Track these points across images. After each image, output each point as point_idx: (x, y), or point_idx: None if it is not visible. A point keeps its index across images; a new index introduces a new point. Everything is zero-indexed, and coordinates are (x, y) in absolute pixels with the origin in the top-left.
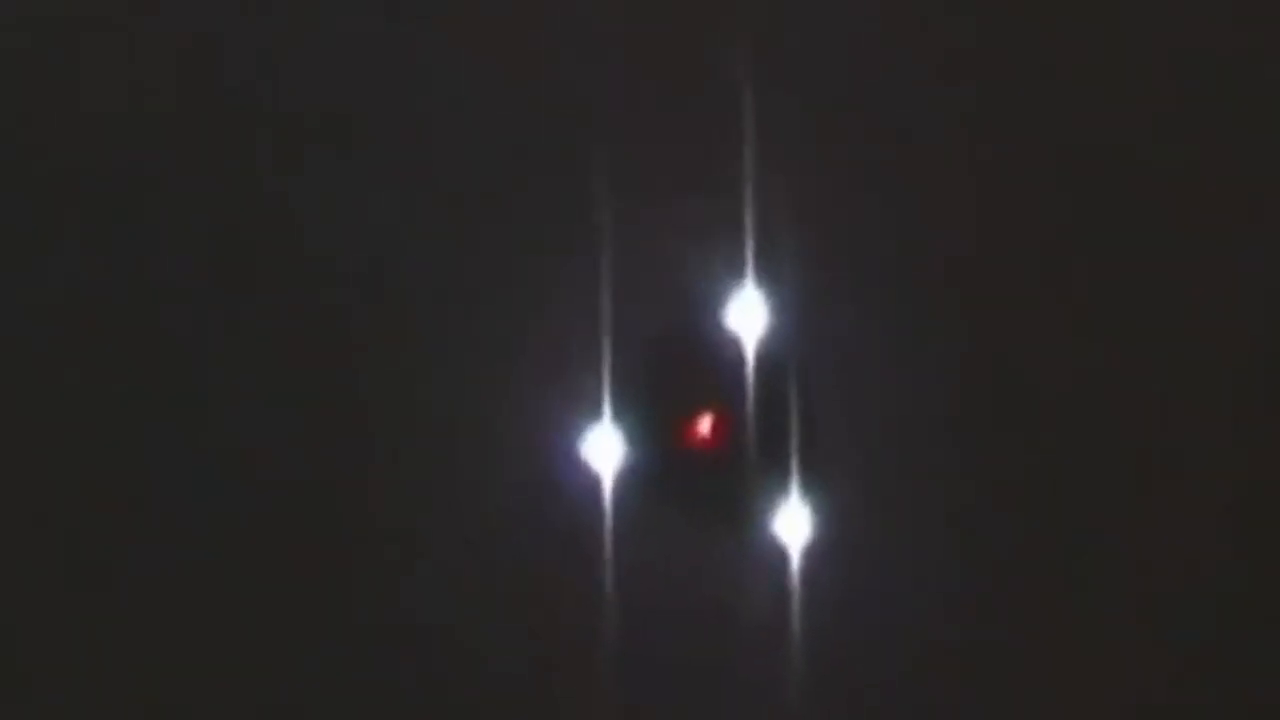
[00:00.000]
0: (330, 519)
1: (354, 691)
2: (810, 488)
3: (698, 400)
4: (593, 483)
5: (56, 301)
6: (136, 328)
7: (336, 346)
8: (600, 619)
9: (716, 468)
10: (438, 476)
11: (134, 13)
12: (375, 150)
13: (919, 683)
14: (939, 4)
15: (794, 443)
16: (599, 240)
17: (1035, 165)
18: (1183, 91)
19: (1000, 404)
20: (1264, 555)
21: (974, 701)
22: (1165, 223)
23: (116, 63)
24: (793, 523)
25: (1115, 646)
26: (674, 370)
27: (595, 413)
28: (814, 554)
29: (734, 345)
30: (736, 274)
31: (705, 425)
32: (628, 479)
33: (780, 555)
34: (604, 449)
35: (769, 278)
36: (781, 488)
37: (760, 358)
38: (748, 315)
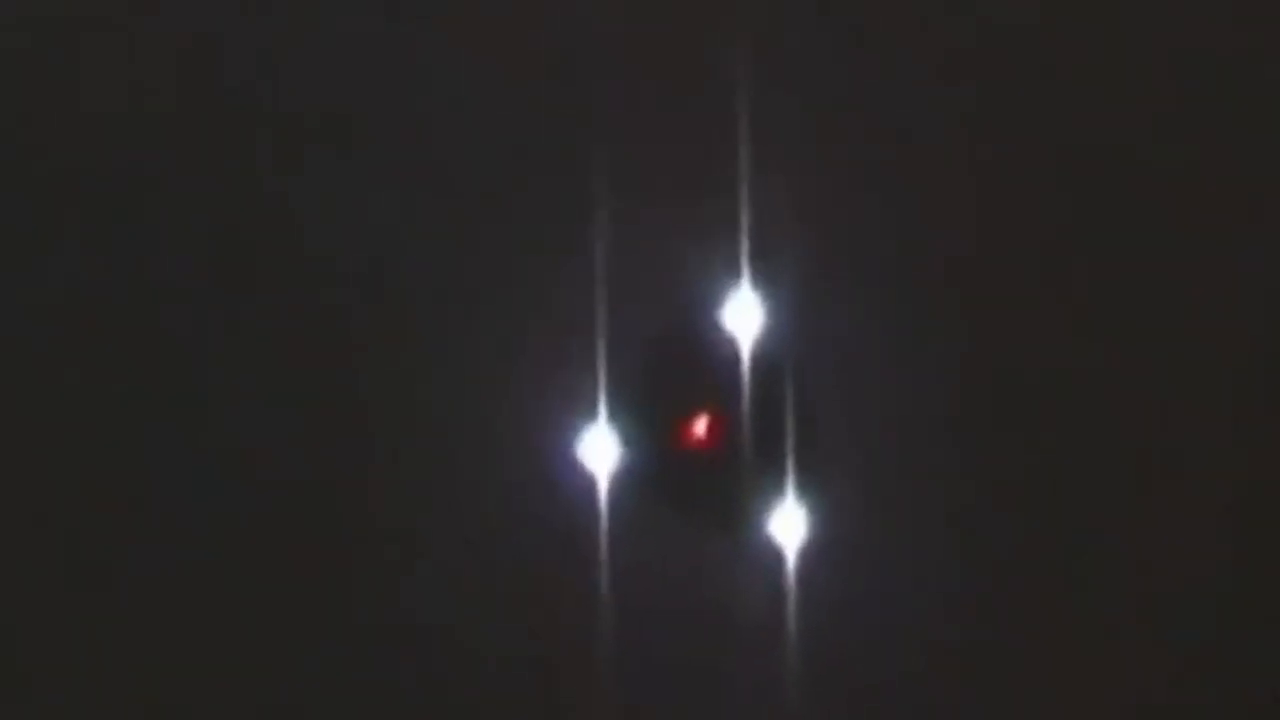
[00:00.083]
0: (329, 519)
1: (353, 691)
2: (806, 488)
3: (693, 401)
4: (588, 483)
5: (56, 301)
6: (136, 328)
7: (336, 346)
8: (596, 619)
9: (712, 468)
10: (435, 477)
11: (134, 13)
12: (375, 150)
13: (917, 684)
14: (939, 4)
15: (790, 443)
16: (595, 241)
17: (1035, 165)
18: (1183, 91)
19: (999, 404)
20: (1264, 555)
21: (973, 702)
22: (1165, 223)
23: (116, 63)
24: (789, 523)
25: (1115, 646)
26: (670, 371)
27: (591, 413)
28: (810, 555)
29: (730, 346)
30: (732, 274)
31: (701, 426)
32: (623, 479)
33: (776, 556)
34: (600, 449)
35: (765, 278)
36: (777, 488)
37: (756, 358)
38: (744, 316)
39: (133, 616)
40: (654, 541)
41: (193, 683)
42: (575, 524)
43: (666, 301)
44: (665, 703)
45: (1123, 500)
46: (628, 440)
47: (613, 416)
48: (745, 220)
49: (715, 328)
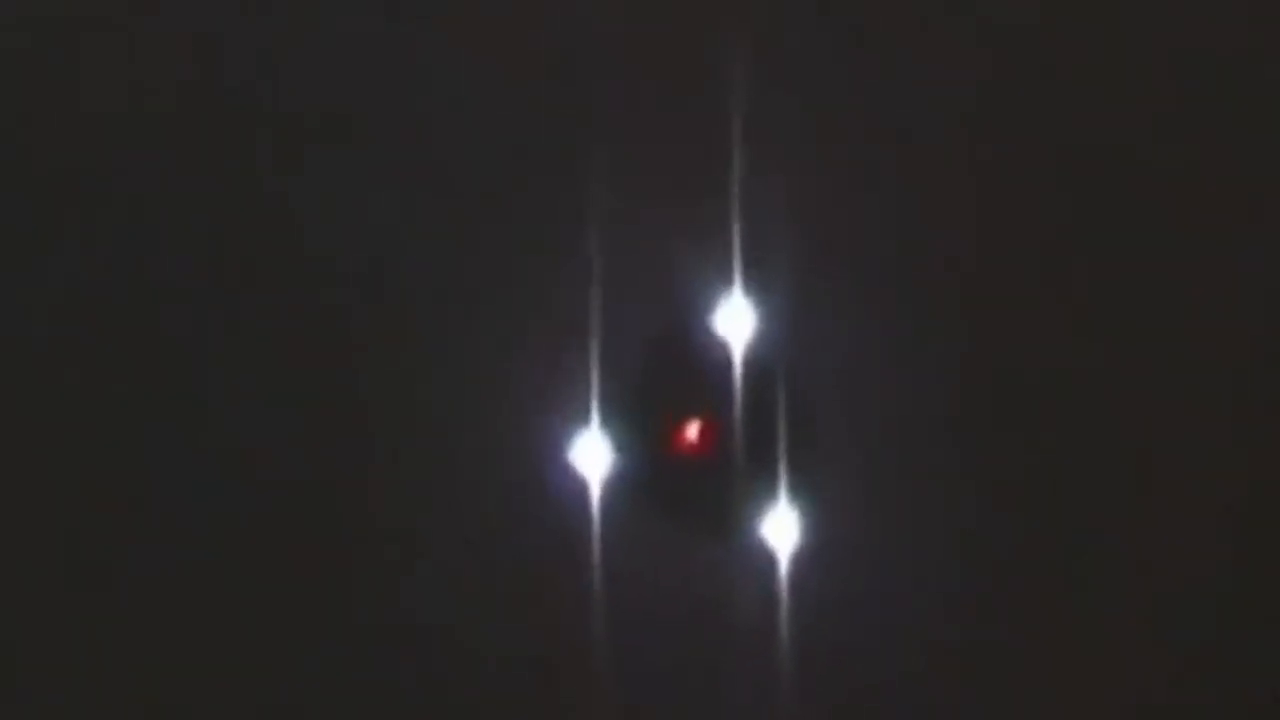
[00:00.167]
0: (327, 519)
1: (351, 691)
2: (799, 492)
3: (686, 406)
4: (581, 488)
5: (56, 301)
6: (136, 328)
7: (336, 346)
8: (591, 623)
9: (705, 473)
10: (431, 479)
11: (134, 13)
12: (375, 150)
13: (913, 687)
14: (939, 4)
15: (783, 448)
16: (590, 245)
17: (1035, 165)
18: (1183, 91)
19: (996, 405)
20: (1264, 555)
21: (970, 704)
22: (1165, 223)
23: (116, 63)
24: (781, 527)
25: (1115, 646)
26: (662, 376)
27: (584, 418)
28: (803, 559)
29: (722, 350)
30: (725, 279)
31: (694, 430)
32: (616, 484)
33: (769, 559)
34: (592, 454)
35: (757, 283)
36: (770, 493)
37: (749, 363)
38: (736, 320)
39: (133, 616)
40: (647, 546)
41: (193, 683)
42: (569, 528)
43: (659, 307)
44: (660, 705)
45: (1122, 500)
46: (621, 445)
47: (606, 421)
48: (738, 225)
49: (707, 333)
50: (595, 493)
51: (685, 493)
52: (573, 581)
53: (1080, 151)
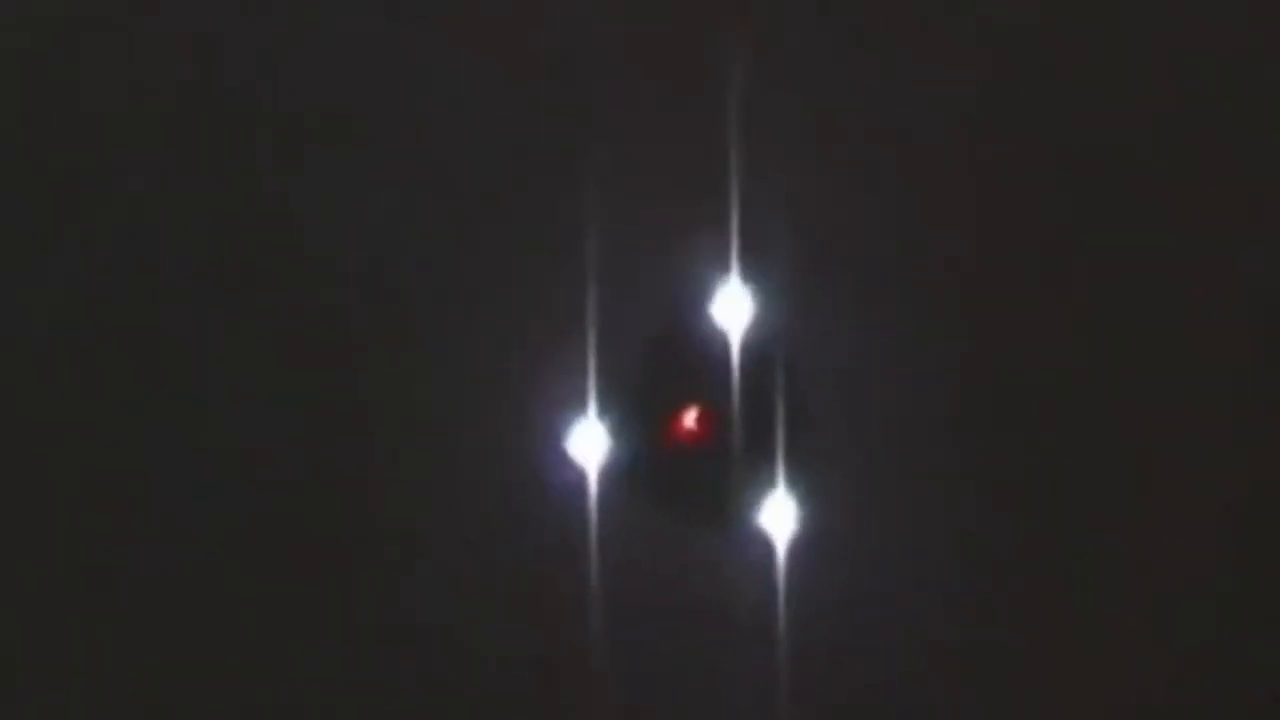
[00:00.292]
0: (327, 518)
1: (350, 689)
2: (796, 481)
3: (683, 395)
4: (578, 477)
5: (56, 301)
6: (136, 328)
7: (336, 346)
8: (586, 613)
9: (703, 461)
10: (430, 473)
11: (134, 13)
12: (375, 150)
13: (909, 676)
14: (939, 4)
15: (780, 436)
16: (586, 236)
17: (1035, 165)
18: (1183, 91)
19: (993, 399)
20: (1264, 555)
21: (966, 695)
22: (1165, 223)
23: (116, 63)
24: (778, 516)
25: (1115, 645)
26: (660, 365)
27: (581, 407)
28: (800, 547)
29: (720, 340)
30: (722, 268)
31: (691, 419)
32: (613, 473)
33: (766, 548)
34: (589, 444)
35: (754, 272)
36: (767, 481)
37: (746, 352)
38: (733, 310)
39: (133, 616)
40: (644, 534)
41: (193, 683)
42: (565, 517)
43: (656, 296)
44: (657, 694)
45: (1122, 500)
46: (618, 434)
47: (603, 411)
48: (735, 214)
49: (704, 322)
50: (593, 481)
51: (683, 481)
52: (570, 570)
53: (1080, 151)
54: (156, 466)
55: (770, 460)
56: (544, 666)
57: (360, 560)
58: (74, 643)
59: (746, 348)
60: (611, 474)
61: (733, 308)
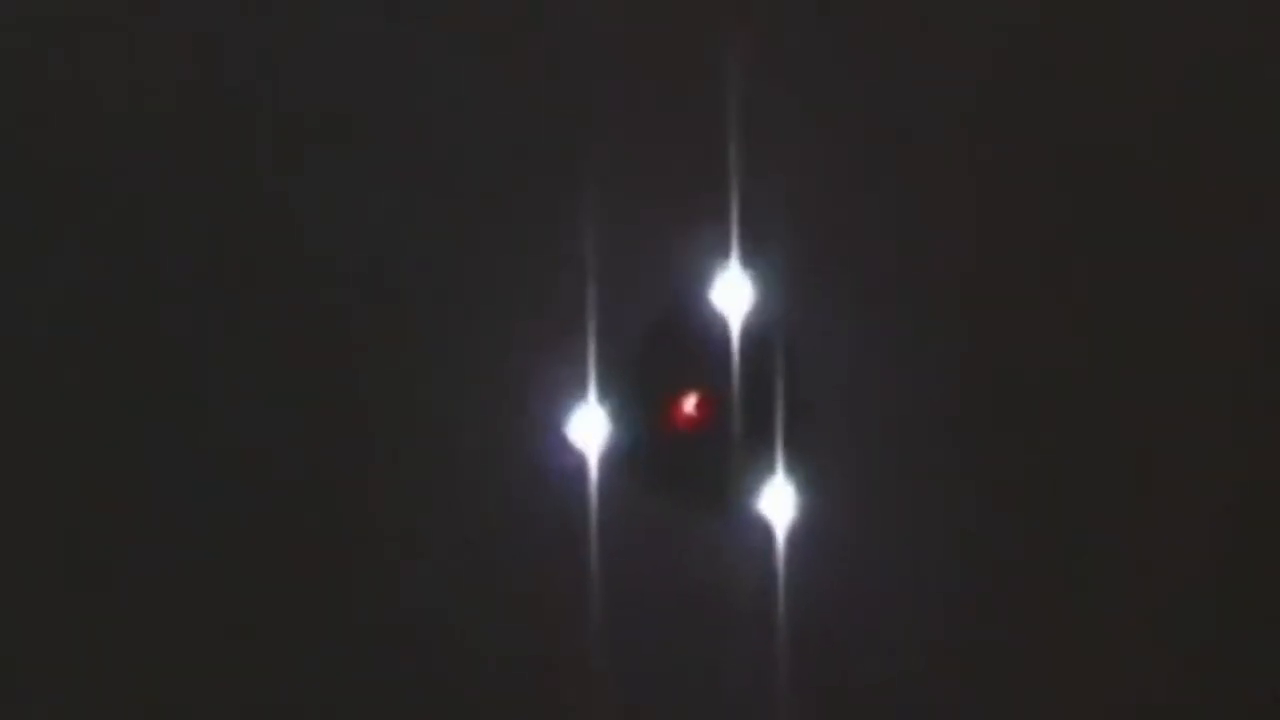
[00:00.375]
0: (328, 513)
1: (350, 686)
2: (796, 467)
3: (683, 380)
4: (578, 462)
5: (56, 301)
6: (136, 328)
7: (336, 346)
8: (586, 599)
9: (702, 447)
10: (432, 461)
11: (134, 13)
12: (375, 150)
13: (906, 663)
14: (939, 4)
15: (780, 422)
16: (586, 220)
17: (1035, 165)
18: (1183, 91)
19: (991, 392)
20: (1264, 555)
21: (961, 684)
22: (1165, 223)
23: (116, 63)
24: (778, 502)
25: (1114, 642)
26: (660, 350)
27: (581, 392)
28: (799, 533)
29: (720, 325)
30: (722, 253)
31: (691, 404)
32: (613, 459)
33: (765, 534)
34: (590, 429)
35: (755, 257)
36: (767, 467)
37: (746, 337)
38: (734, 295)
39: (133, 616)
40: (644, 520)
41: (193, 683)
42: (565, 503)
43: (657, 282)
44: (655, 679)
45: (1122, 499)
46: (618, 419)
47: (603, 396)
48: (734, 199)
49: (705, 307)
50: (593, 467)
51: (682, 467)
52: (569, 554)
53: (1080, 151)
54: (156, 466)
55: (770, 446)
56: (543, 651)
57: (361, 547)
58: (74, 643)
59: (746, 334)
60: (612, 459)
61: (733, 294)
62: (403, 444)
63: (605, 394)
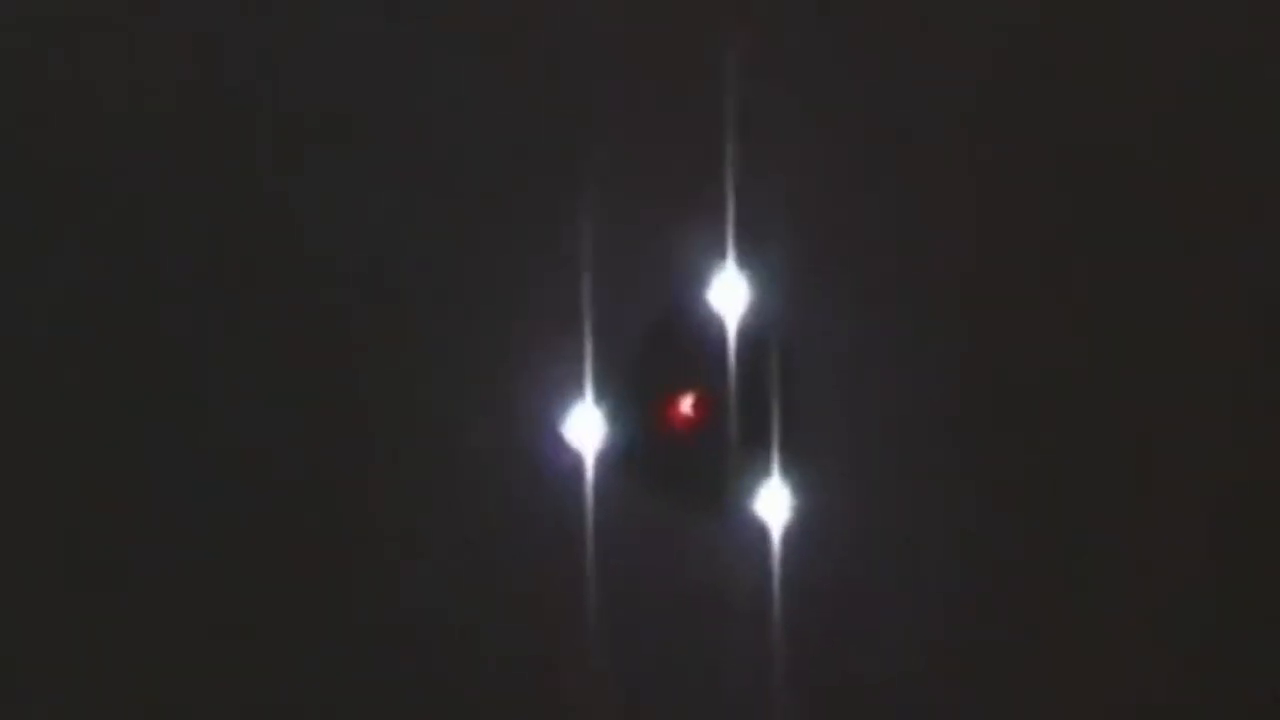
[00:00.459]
0: (328, 515)
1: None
2: (791, 467)
3: (680, 380)
4: (574, 462)
5: (56, 301)
6: (136, 328)
7: (336, 346)
8: (582, 598)
9: (698, 447)
10: (429, 464)
11: (134, 13)
12: (375, 150)
13: (902, 663)
14: (939, 4)
15: (776, 422)
16: (583, 220)
17: (1035, 165)
18: (1183, 91)
19: (988, 391)
20: (1264, 555)
21: (958, 684)
22: (1165, 223)
23: (116, 63)
24: (774, 502)
25: (1114, 644)
26: (656, 350)
27: (578, 392)
28: (795, 533)
29: (716, 326)
30: (719, 253)
31: (687, 405)
32: (609, 458)
33: (761, 534)
34: (586, 429)
35: (751, 257)
36: (763, 467)
37: (742, 338)
38: (730, 295)
39: (133, 616)
40: (640, 520)
41: (193, 683)
42: (562, 502)
43: (654, 282)
44: (651, 679)
45: (1122, 499)
46: (614, 419)
47: (599, 395)
48: (731, 203)
49: (701, 307)
50: (589, 466)
51: (679, 466)
52: (565, 554)
53: (1080, 151)
54: (156, 466)
55: (766, 446)
56: (538, 650)
57: (357, 546)
58: (74, 643)
59: (743, 334)
60: (608, 459)
61: (729, 294)
62: (400, 443)
63: (602, 394)
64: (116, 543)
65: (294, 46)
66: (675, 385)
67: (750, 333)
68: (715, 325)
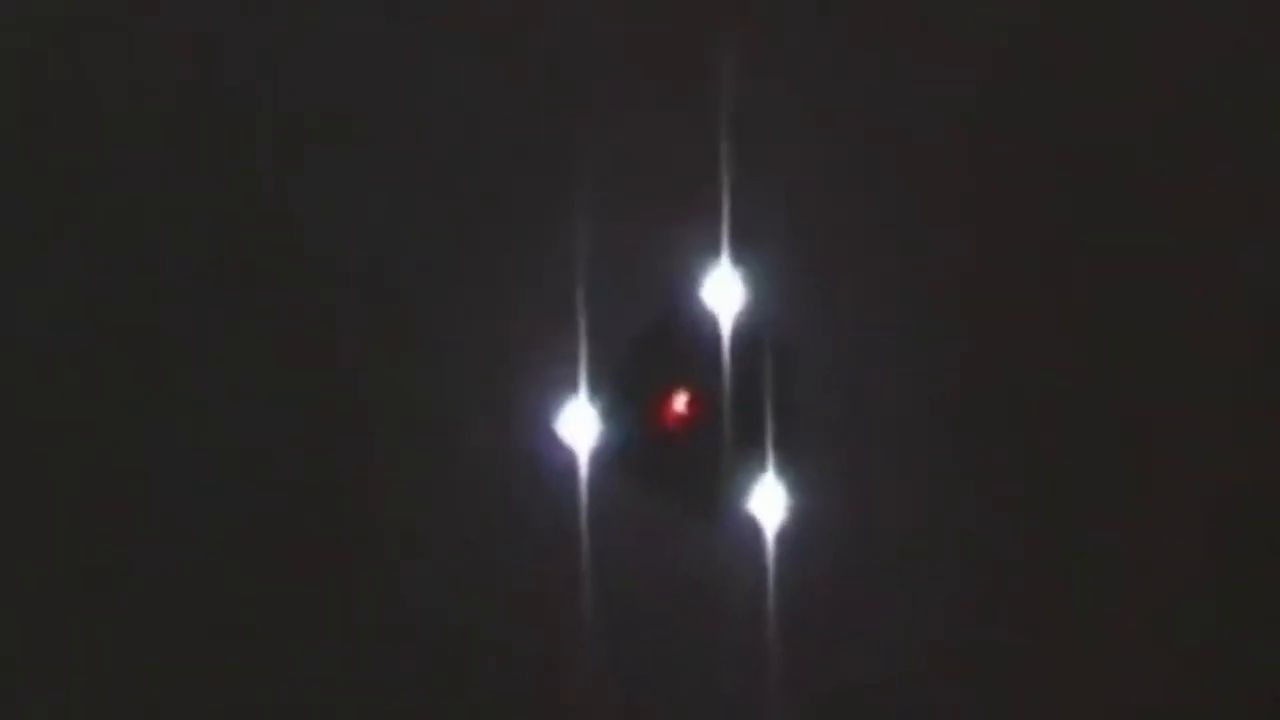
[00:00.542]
0: (328, 516)
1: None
2: (786, 466)
3: (674, 378)
4: (568, 460)
5: (56, 301)
6: (136, 328)
7: (336, 346)
8: (575, 596)
9: (692, 446)
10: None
11: (134, 13)
12: (375, 150)
13: (898, 663)
14: (939, 4)
15: (770, 421)
16: (578, 219)
17: (1035, 165)
18: (1183, 91)
19: (984, 388)
20: (1264, 555)
21: (955, 684)
22: (1165, 223)
23: (116, 63)
24: (768, 501)
25: (1114, 645)
26: (651, 348)
27: (572, 389)
28: (789, 532)
29: (710, 324)
30: (713, 252)
31: (681, 403)
32: (603, 456)
33: (756, 533)
34: (580, 426)
35: (746, 255)
36: (757, 466)
37: (737, 336)
38: (726, 293)
39: (133, 616)
40: (634, 518)
41: (193, 683)
42: (555, 500)
43: (648, 279)
44: (645, 677)
45: (1122, 499)
46: (608, 417)
47: (593, 393)
48: (726, 201)
49: (696, 306)
50: (583, 464)
51: (673, 465)
52: (559, 552)
53: (1080, 151)
54: (156, 466)
55: (760, 445)
56: (531, 648)
57: (354, 545)
58: (74, 643)
59: (737, 332)
60: (602, 457)
61: (724, 292)
62: (397, 442)
63: (596, 391)
64: (116, 543)
65: (294, 46)
66: (670, 383)
67: (745, 331)
68: (710, 324)
